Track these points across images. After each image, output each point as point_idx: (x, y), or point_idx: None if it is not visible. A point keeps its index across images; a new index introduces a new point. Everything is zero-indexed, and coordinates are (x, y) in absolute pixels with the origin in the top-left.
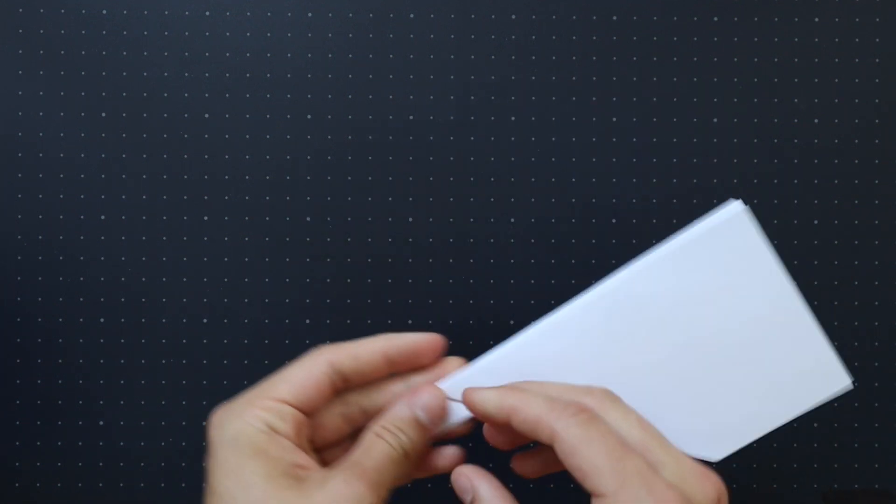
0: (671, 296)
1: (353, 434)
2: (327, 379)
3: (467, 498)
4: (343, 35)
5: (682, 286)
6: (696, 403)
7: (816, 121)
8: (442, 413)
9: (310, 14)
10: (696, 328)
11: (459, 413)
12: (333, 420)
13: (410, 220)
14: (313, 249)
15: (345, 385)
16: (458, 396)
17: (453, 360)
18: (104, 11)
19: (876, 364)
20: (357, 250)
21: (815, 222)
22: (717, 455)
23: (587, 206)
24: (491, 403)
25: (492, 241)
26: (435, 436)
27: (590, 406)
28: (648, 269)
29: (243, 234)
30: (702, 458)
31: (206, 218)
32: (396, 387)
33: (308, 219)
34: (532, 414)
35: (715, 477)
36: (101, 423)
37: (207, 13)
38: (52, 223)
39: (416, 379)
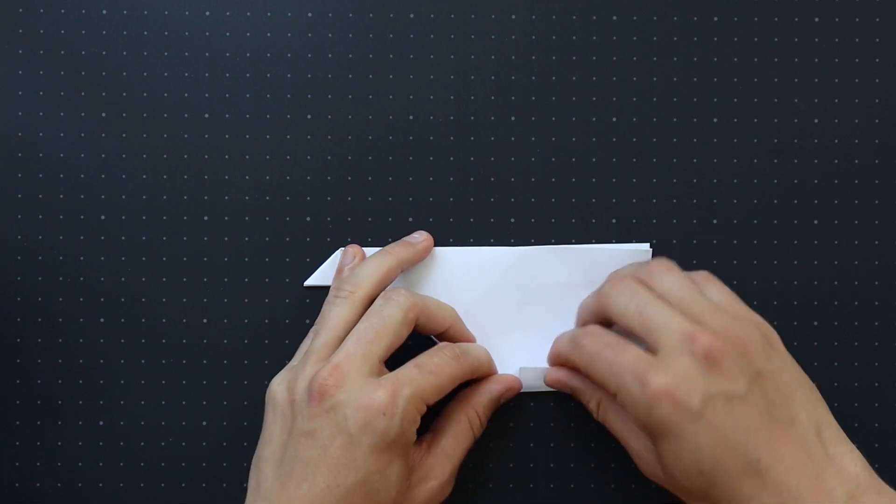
0: (566, 275)
1: None
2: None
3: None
4: (343, 35)
5: (576, 273)
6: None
7: (816, 121)
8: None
9: (310, 14)
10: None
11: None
12: None
13: (410, 220)
14: (313, 249)
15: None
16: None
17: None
18: (104, 11)
19: (876, 364)
20: None
21: (815, 222)
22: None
23: (587, 206)
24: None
25: (492, 240)
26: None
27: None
28: (563, 252)
29: (243, 234)
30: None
31: (206, 218)
32: None
33: (308, 219)
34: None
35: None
36: (101, 423)
37: (207, 13)
38: (52, 223)
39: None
